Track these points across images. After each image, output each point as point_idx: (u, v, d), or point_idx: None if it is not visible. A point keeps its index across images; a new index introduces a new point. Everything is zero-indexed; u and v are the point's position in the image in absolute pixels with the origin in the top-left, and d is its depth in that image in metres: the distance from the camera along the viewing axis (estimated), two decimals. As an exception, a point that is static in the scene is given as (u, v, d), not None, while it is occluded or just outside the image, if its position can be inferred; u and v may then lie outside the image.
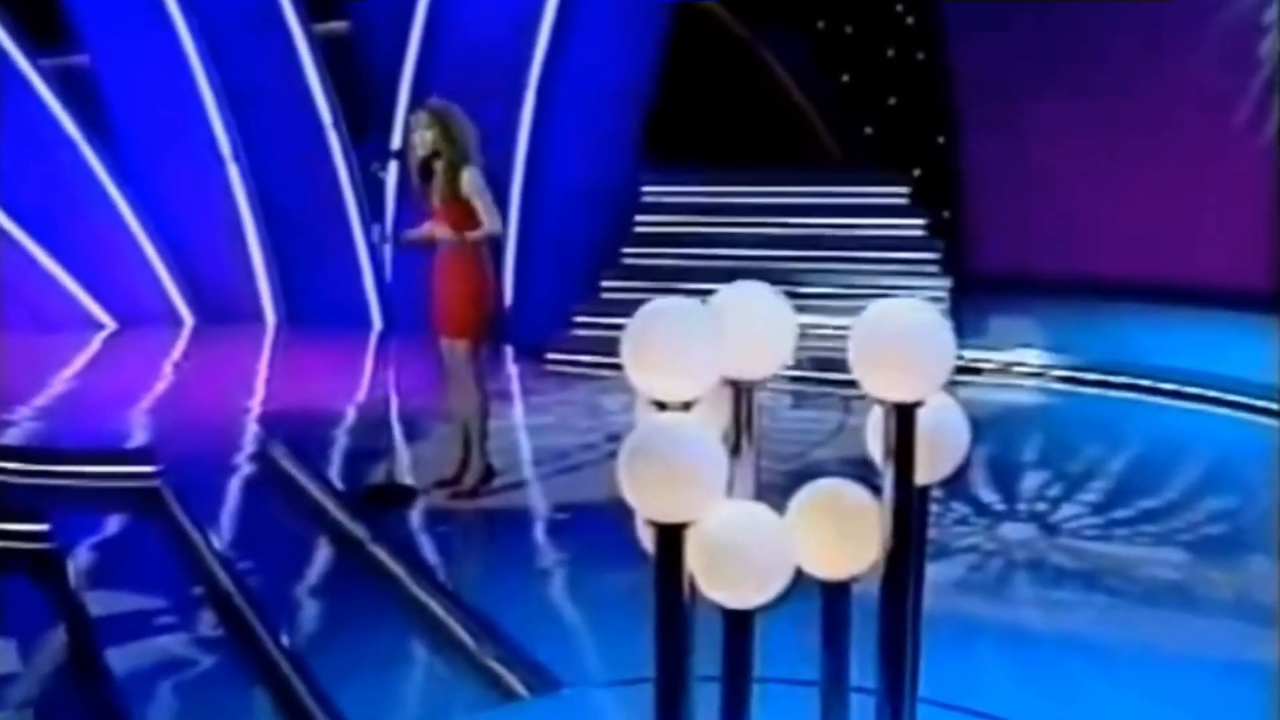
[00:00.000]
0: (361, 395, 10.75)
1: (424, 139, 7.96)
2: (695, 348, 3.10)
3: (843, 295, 11.25)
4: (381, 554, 7.41)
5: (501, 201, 12.09)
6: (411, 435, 9.50)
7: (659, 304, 3.18)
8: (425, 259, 8.27)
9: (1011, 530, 7.79)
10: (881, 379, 3.26)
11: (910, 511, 3.30)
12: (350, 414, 10.27)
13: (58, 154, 13.31)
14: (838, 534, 3.31)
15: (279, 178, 13.66)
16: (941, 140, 15.55)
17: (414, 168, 8.05)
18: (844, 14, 16.34)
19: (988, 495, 8.34)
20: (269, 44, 13.48)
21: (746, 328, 3.30)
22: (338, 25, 14.26)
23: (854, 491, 3.40)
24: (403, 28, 13.18)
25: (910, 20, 16.13)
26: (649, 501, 3.00)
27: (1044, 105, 14.29)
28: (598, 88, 13.29)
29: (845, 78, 16.45)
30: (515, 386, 11.50)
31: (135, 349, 12.79)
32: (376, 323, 13.22)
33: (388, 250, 8.45)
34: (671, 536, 3.00)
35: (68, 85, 13.55)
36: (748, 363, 3.34)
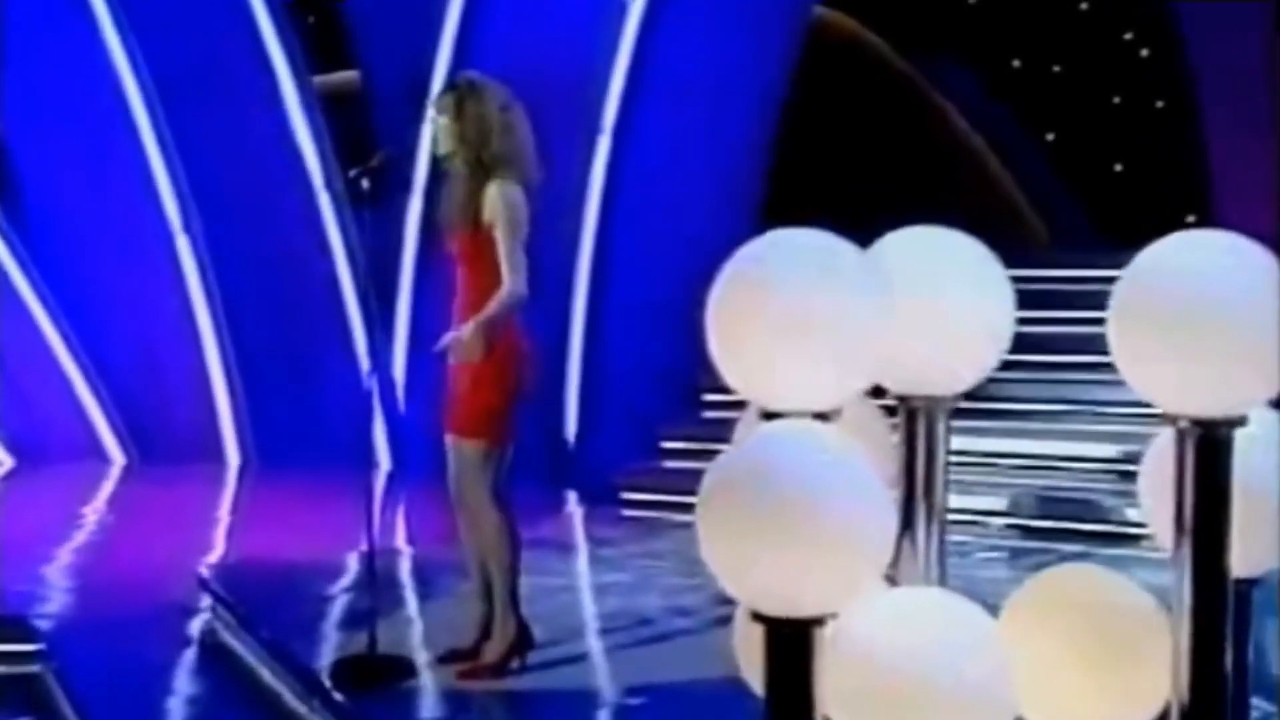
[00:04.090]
0: (354, 548, 10.42)
1: (436, 129, 7.36)
2: (836, 321, 2.65)
3: (1055, 413, 10.83)
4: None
5: (562, 280, 11.76)
6: (424, 594, 9.33)
7: (777, 238, 2.73)
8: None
9: None
10: (1168, 375, 2.68)
11: (1223, 621, 2.72)
12: (333, 570, 10.01)
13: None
14: (1092, 657, 2.81)
15: (248, 260, 13.40)
16: (1191, 220, 15.10)
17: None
18: (1049, 47, 16.01)
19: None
20: (236, 90, 13.32)
21: (930, 301, 2.90)
22: (345, 76, 14.33)
23: (1118, 586, 2.92)
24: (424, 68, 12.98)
25: (1145, 54, 15.73)
26: (750, 576, 2.63)
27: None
28: (698, 123, 12.92)
29: (1050, 136, 16.12)
30: (579, 534, 11.24)
31: (40, 492, 12.55)
32: (384, 461, 12.87)
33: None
34: (792, 645, 2.59)
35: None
36: (929, 361, 2.91)
